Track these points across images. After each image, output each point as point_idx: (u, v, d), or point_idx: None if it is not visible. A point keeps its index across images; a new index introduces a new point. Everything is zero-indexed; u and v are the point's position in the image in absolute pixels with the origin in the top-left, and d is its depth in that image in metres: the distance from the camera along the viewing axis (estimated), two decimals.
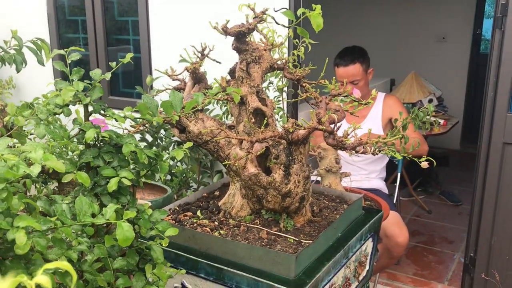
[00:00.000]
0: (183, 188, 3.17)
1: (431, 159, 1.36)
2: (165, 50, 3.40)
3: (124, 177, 0.98)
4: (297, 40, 1.78)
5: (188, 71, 1.52)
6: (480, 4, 5.34)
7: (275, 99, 2.26)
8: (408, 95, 4.38)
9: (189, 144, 1.11)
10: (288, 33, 1.83)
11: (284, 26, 1.44)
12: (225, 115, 2.44)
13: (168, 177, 3.13)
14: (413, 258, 3.43)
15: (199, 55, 1.56)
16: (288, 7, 2.77)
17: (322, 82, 1.48)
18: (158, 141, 3.10)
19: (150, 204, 1.10)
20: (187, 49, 1.63)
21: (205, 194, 1.75)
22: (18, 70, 1.38)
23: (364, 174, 3.07)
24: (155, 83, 3.01)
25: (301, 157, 1.41)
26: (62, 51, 1.10)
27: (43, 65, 1.48)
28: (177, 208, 1.62)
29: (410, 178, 4.24)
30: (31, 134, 1.51)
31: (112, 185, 0.96)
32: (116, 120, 1.00)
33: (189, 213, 1.57)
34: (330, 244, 1.43)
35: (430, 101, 4.32)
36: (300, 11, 1.36)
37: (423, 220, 4.04)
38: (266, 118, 1.45)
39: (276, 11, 1.39)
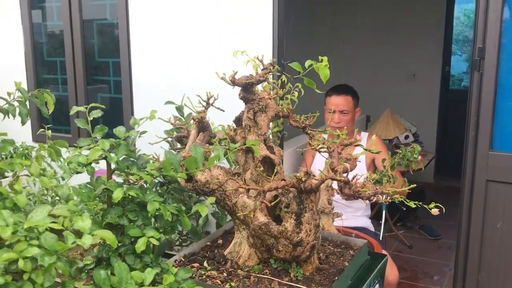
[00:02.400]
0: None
1: (440, 205, 1.38)
2: (147, 91, 3.39)
3: (152, 237, 0.96)
4: (290, 85, 1.81)
5: (194, 120, 1.52)
6: (447, 43, 5.58)
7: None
8: (384, 132, 4.48)
9: (212, 199, 1.10)
10: (283, 79, 1.86)
11: (293, 77, 1.46)
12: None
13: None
14: None
15: (204, 103, 1.56)
16: (272, 52, 2.84)
17: (327, 130, 1.50)
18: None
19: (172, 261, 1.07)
20: (190, 97, 1.63)
21: (209, 243, 1.72)
22: (23, 123, 1.35)
23: (350, 212, 3.09)
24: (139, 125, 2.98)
25: (312, 205, 1.41)
26: (82, 108, 1.08)
27: (47, 116, 1.45)
28: (183, 259, 1.59)
29: (390, 213, 4.29)
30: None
31: (140, 245, 0.94)
32: (141, 178, 0.98)
33: (196, 264, 1.54)
34: None
35: (406, 137, 4.43)
36: (307, 63, 1.39)
37: (405, 255, 4.08)
38: (275, 167, 1.46)
39: (285, 63, 1.42)
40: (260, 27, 2.86)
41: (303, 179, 1.34)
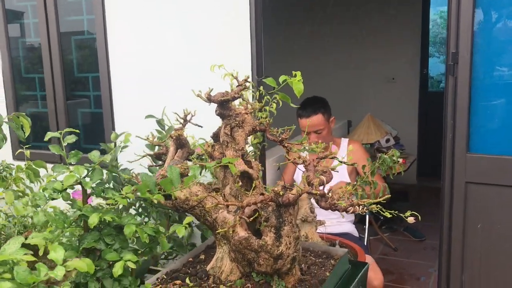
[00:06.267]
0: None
1: (415, 213, 1.41)
2: (128, 105, 3.39)
3: (129, 260, 0.96)
4: (268, 97, 1.83)
5: (172, 137, 1.53)
6: (424, 45, 5.67)
7: (250, 153, 2.28)
8: (366, 136, 4.53)
9: (189, 219, 1.11)
10: (261, 92, 1.88)
11: (268, 93, 1.48)
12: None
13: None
14: None
15: (182, 120, 1.57)
16: (250, 67, 2.86)
17: (305, 143, 1.52)
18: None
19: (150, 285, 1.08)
20: (168, 115, 1.64)
21: (191, 259, 1.72)
22: None
23: (334, 218, 3.11)
24: (120, 140, 2.97)
25: (291, 218, 1.43)
26: (57, 134, 1.08)
27: (24, 140, 1.45)
28: (165, 277, 1.59)
29: (374, 217, 4.33)
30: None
31: (117, 269, 0.94)
32: (117, 202, 0.99)
33: (178, 282, 1.54)
34: None
35: (388, 141, 4.48)
36: (281, 79, 1.41)
37: (391, 258, 4.12)
38: (253, 181, 1.47)
39: (259, 79, 1.44)
40: (238, 39, 2.88)
41: (281, 193, 1.36)
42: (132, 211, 3.08)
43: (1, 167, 2.40)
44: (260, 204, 1.44)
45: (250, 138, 2.28)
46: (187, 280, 1.55)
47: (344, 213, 3.12)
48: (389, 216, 1.34)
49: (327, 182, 1.34)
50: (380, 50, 5.71)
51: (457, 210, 2.69)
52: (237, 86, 1.45)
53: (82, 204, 1.00)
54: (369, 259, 2.73)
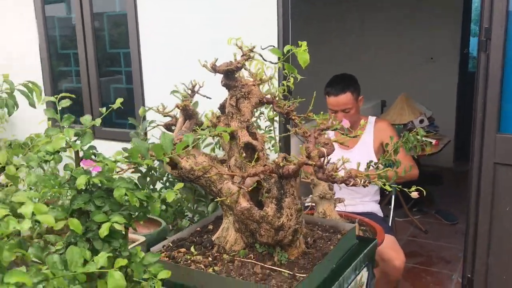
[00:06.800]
0: (178, 218, 3.16)
1: (420, 188, 1.37)
2: (157, 80, 3.43)
3: (116, 222, 0.99)
4: (286, 71, 1.80)
5: (179, 108, 1.54)
6: (465, 23, 5.43)
7: (267, 129, 2.27)
8: (399, 117, 4.42)
9: (180, 185, 1.12)
10: (278, 66, 1.86)
11: (272, 63, 1.47)
12: (218, 145, 2.46)
13: (163, 207, 3.13)
14: (412, 280, 3.42)
15: (190, 92, 1.58)
16: (277, 42, 2.81)
17: (310, 115, 1.50)
18: (152, 171, 3.10)
19: (140, 246, 1.10)
20: (178, 86, 1.65)
21: (199, 229, 1.75)
22: (9, 114, 1.39)
23: (358, 197, 3.07)
24: (148, 114, 3.02)
25: (293, 190, 1.42)
26: (52, 98, 1.11)
27: (35, 107, 1.49)
28: (171, 245, 1.62)
29: (405, 198, 4.25)
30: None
31: (104, 230, 0.97)
32: (107, 165, 1.01)
33: (183, 250, 1.57)
34: (325, 277, 1.43)
35: (421, 121, 4.36)
36: (286, 48, 1.39)
37: (420, 240, 4.04)
38: (256, 152, 1.47)
39: (263, 49, 1.42)
40: (265, 19, 2.84)
41: (281, 164, 1.35)
42: (159, 184, 3.16)
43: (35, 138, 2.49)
44: (263, 175, 1.44)
45: (266, 112, 2.27)
46: (192, 249, 1.58)
47: (368, 192, 3.07)
48: (389, 190, 1.31)
49: (328, 154, 1.32)
50: (419, 29, 5.52)
51: (485, 191, 2.61)
52: (241, 56, 1.44)
53: (75, 166, 1.03)
54: (390, 239, 2.69)
